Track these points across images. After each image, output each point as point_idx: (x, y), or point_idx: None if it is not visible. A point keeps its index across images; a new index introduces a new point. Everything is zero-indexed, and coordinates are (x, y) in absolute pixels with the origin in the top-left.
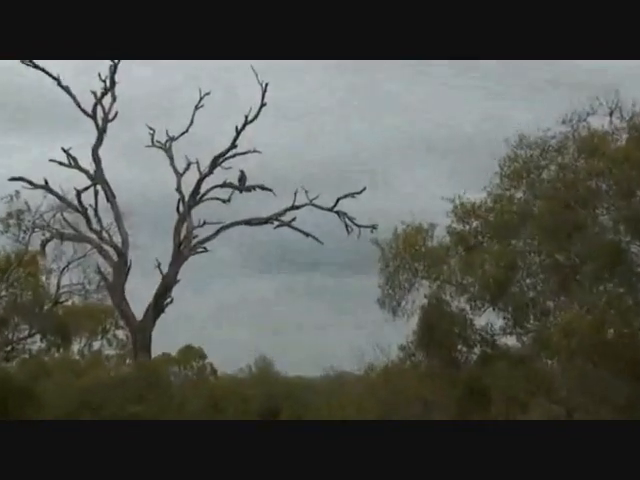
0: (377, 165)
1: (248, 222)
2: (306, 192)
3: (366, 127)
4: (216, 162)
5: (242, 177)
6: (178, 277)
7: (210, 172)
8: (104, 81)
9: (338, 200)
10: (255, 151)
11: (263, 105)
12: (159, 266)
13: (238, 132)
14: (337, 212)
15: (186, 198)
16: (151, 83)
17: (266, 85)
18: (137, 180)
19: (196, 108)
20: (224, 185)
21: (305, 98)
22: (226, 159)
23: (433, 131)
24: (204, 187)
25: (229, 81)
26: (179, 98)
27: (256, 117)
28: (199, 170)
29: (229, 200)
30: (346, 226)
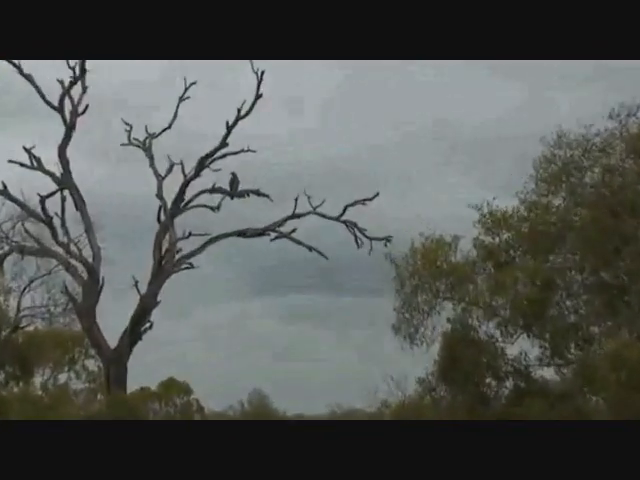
0: (391, 167)
1: (241, 233)
2: (309, 198)
3: (378, 123)
4: (203, 163)
5: (234, 180)
6: (158, 298)
7: (197, 175)
8: (72, 69)
9: (346, 208)
10: (249, 150)
11: (259, 97)
12: (136, 285)
13: (229, 128)
14: (345, 222)
15: (168, 205)
16: (129, 71)
17: (262, 74)
18: (111, 184)
19: (180, 100)
20: (213, 190)
21: (306, 89)
22: (215, 160)
23: (457, 128)
24: (190, 192)
25: (219, 70)
26: (162, 89)
27: (250, 111)
28: (184, 172)
29: (219, 208)
30: (356, 238)
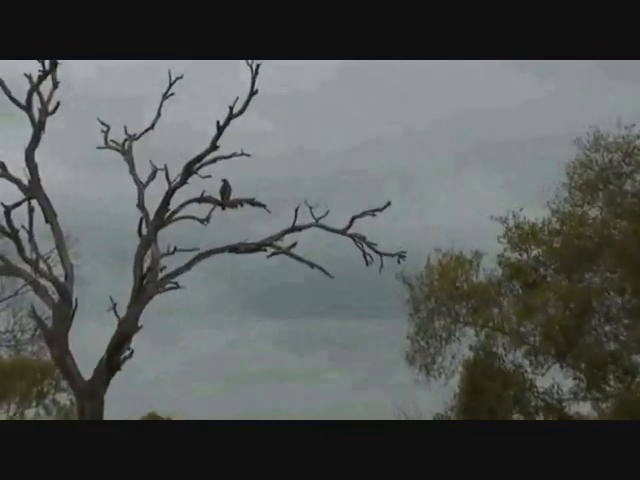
0: (404, 173)
1: (234, 249)
2: (311, 209)
3: (387, 124)
4: (191, 168)
5: (225, 188)
6: (140, 322)
7: (183, 182)
8: (42, 62)
9: (354, 219)
10: (243, 154)
11: (254, 93)
12: (114, 308)
13: (220, 129)
14: (352, 236)
15: (151, 217)
16: (106, 66)
17: (257, 67)
18: (86, 193)
19: (164, 97)
20: (202, 199)
21: (308, 87)
22: (204, 165)
23: (477, 126)
24: (175, 202)
25: (209, 64)
26: (143, 87)
27: (244, 109)
28: (168, 179)
29: (208, 219)
30: (364, 254)
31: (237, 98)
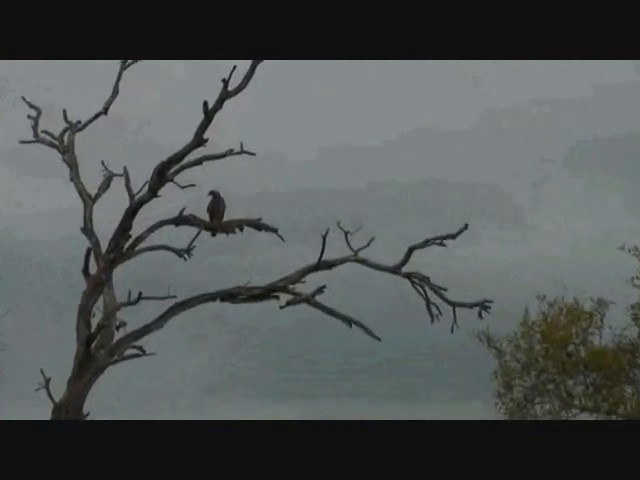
0: (478, 182)
1: (229, 296)
2: (347, 235)
3: (450, 111)
4: (164, 174)
5: (216, 204)
6: (85, 407)
7: (153, 194)
8: None
9: (412, 251)
10: (244, 152)
11: (253, 69)
12: (48, 385)
13: (210, 113)
14: (410, 276)
15: (103, 247)
16: None
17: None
18: (4, 209)
19: (124, 67)
20: (180, 220)
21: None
22: (185, 168)
23: (590, 133)
24: (140, 224)
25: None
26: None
27: (245, 84)
28: (129, 190)
29: (190, 252)
30: (428, 305)
31: (234, 67)
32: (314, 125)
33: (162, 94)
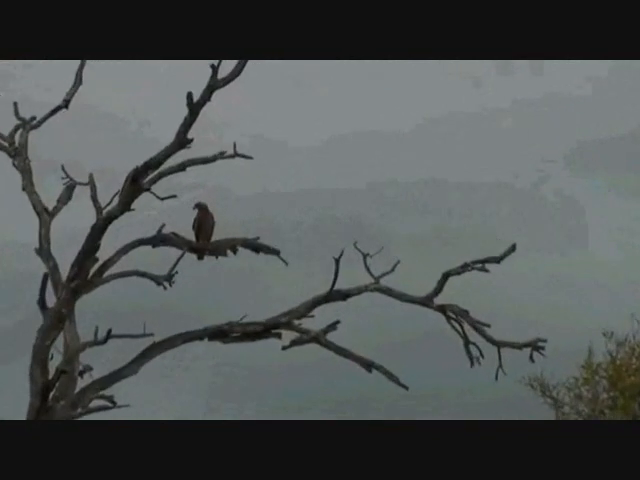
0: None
1: (219, 334)
2: (365, 257)
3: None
4: (139, 182)
5: (203, 221)
6: None
7: (125, 207)
8: None
9: (447, 277)
10: (238, 155)
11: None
12: None
13: (193, 111)
14: (445, 309)
15: (64, 274)
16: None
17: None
18: None
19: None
20: (160, 240)
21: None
22: (164, 176)
23: None
24: (109, 244)
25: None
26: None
27: (233, 79)
28: (96, 202)
29: (171, 278)
30: (466, 343)
31: (218, 62)
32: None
33: (159, 92)
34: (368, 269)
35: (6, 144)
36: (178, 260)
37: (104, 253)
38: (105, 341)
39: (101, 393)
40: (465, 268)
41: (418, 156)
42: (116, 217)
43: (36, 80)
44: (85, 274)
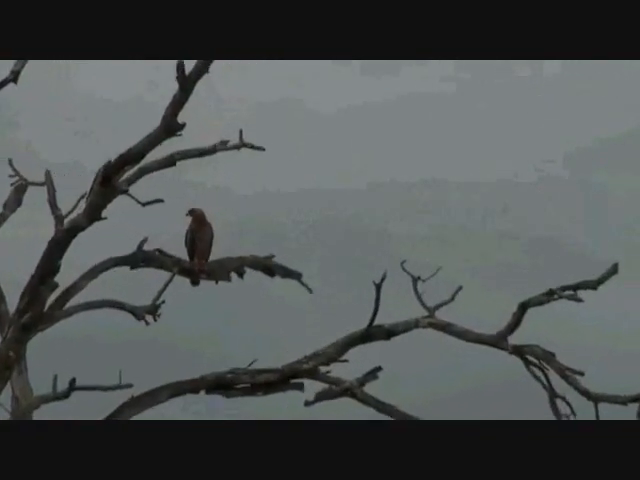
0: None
1: (221, 385)
2: (415, 281)
3: None
4: (112, 182)
5: (197, 230)
6: None
7: (94, 215)
8: None
9: (525, 309)
10: (244, 145)
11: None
12: None
13: (185, 87)
14: (522, 352)
15: (11, 305)
16: None
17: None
18: None
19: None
20: (135, 260)
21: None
22: (146, 173)
23: None
24: (71, 264)
25: None
26: None
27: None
28: (55, 208)
29: (155, 310)
30: (552, 396)
31: None
32: None
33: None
34: (419, 298)
35: None
36: (165, 286)
37: (66, 277)
38: (67, 395)
39: None
40: (550, 296)
41: (418, 156)
42: (82, 229)
43: None
44: (40, 305)
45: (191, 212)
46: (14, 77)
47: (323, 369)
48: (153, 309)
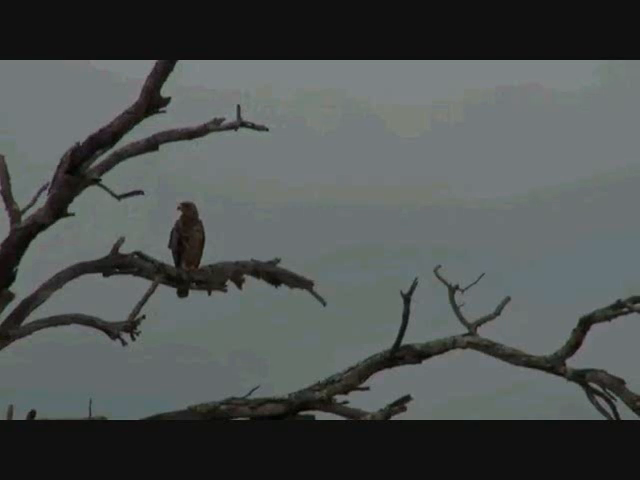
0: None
1: (212, 417)
2: (452, 291)
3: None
4: (80, 169)
5: (186, 228)
6: None
7: (55, 213)
8: None
9: (587, 326)
10: (245, 124)
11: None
12: None
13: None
14: (583, 379)
15: None
16: None
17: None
18: None
19: None
20: (107, 265)
21: None
22: (123, 159)
23: None
24: (25, 277)
25: None
26: None
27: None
28: (8, 203)
29: (133, 328)
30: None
31: None
32: None
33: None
34: (457, 311)
35: None
36: (145, 298)
37: (24, 286)
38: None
39: None
40: (617, 310)
41: (421, 159)
42: (44, 227)
43: None
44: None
45: (183, 205)
46: None
47: (339, 397)
48: (130, 327)
